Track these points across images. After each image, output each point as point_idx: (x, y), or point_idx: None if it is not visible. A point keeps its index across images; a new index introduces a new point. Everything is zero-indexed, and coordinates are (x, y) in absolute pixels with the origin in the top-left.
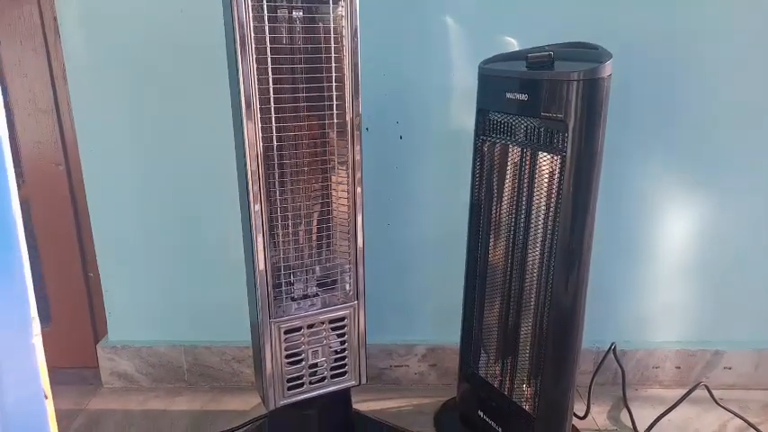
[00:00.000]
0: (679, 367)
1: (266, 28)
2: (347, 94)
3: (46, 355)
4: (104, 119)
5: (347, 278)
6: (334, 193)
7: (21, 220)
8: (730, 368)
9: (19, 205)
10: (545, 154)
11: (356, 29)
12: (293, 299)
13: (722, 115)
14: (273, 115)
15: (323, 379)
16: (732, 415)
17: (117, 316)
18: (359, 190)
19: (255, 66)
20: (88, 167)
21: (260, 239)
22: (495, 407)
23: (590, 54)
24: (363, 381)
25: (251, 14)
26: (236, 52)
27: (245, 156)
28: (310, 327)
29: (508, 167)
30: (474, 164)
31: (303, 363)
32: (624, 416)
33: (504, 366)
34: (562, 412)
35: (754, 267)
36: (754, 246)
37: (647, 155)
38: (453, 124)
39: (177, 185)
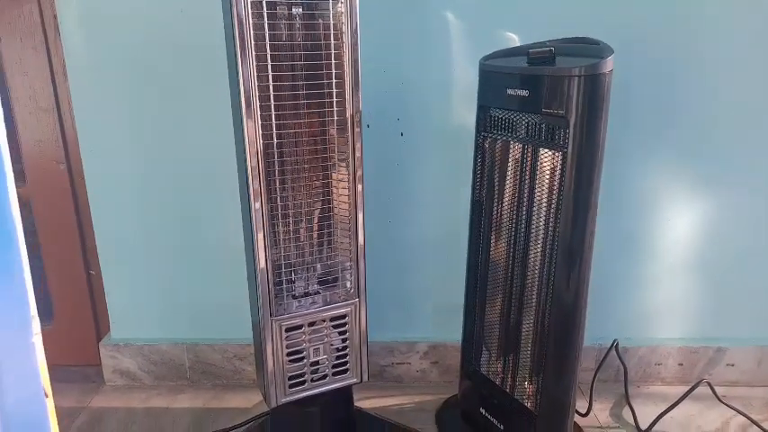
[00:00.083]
0: (681, 364)
1: (266, 24)
2: (347, 90)
3: (48, 352)
4: (105, 118)
5: (348, 275)
6: (334, 190)
7: (20, 218)
8: (733, 365)
9: (18, 204)
10: (546, 150)
11: (356, 24)
12: (294, 296)
13: (722, 115)
14: (273, 112)
15: (324, 376)
16: (735, 412)
17: (119, 314)
18: (360, 187)
19: (255, 62)
20: (89, 166)
21: (260, 237)
22: (496, 404)
23: (591, 49)
24: (365, 378)
25: (250, 11)
26: (235, 49)
27: (245, 153)
28: (311, 324)
29: (509, 164)
30: (475, 160)
31: (305, 360)
32: (626, 413)
33: (506, 363)
34: (564, 409)
35: (755, 265)
36: (755, 243)
37: (648, 155)
38: (454, 121)
39: (178, 184)
